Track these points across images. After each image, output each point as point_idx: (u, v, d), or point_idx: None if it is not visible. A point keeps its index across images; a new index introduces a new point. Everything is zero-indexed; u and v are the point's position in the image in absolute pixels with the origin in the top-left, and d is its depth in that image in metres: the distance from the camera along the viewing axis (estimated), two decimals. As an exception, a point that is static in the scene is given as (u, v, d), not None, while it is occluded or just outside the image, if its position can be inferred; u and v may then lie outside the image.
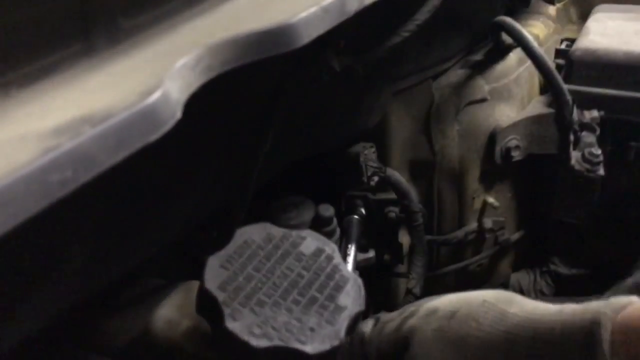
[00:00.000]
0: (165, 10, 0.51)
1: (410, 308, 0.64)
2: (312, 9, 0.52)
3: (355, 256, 0.99)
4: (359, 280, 0.55)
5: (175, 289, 0.67)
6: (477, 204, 1.17)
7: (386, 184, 1.06)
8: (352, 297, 0.53)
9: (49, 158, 0.32)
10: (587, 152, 0.93)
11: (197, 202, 0.72)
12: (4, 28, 0.39)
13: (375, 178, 1.04)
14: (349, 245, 0.98)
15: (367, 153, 1.03)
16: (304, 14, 0.51)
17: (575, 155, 0.94)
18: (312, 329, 0.49)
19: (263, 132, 0.73)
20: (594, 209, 1.03)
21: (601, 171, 0.94)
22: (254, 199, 0.76)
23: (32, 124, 0.36)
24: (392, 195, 1.08)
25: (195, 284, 0.65)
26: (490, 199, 1.15)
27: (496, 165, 1.11)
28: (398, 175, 1.07)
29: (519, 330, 0.55)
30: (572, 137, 0.95)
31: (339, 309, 0.51)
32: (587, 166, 0.94)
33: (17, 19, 0.40)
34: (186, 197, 0.70)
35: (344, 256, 0.98)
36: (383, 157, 1.06)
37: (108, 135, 0.35)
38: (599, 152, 0.94)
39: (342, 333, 0.50)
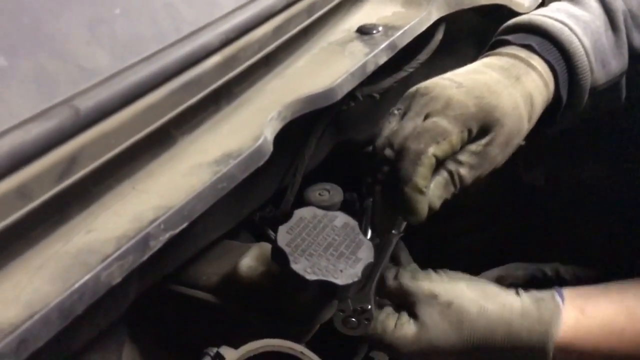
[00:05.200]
0: (258, 75, 0.84)
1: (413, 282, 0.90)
2: (344, 76, 0.84)
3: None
4: (370, 243, 0.86)
5: (251, 248, 0.97)
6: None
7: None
8: (365, 253, 0.82)
9: (217, 176, 0.66)
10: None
11: (265, 190, 1.04)
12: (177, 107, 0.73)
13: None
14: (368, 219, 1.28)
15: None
16: (339, 80, 0.84)
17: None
18: (341, 270, 0.77)
19: (308, 142, 1.06)
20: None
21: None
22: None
23: (201, 157, 0.70)
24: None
25: (264, 245, 0.94)
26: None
27: None
28: None
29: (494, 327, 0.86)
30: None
31: (358, 259, 0.80)
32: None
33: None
34: (262, 186, 1.01)
35: (366, 227, 1.28)
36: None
37: (241, 164, 0.69)
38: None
39: (360, 273, 0.79)
